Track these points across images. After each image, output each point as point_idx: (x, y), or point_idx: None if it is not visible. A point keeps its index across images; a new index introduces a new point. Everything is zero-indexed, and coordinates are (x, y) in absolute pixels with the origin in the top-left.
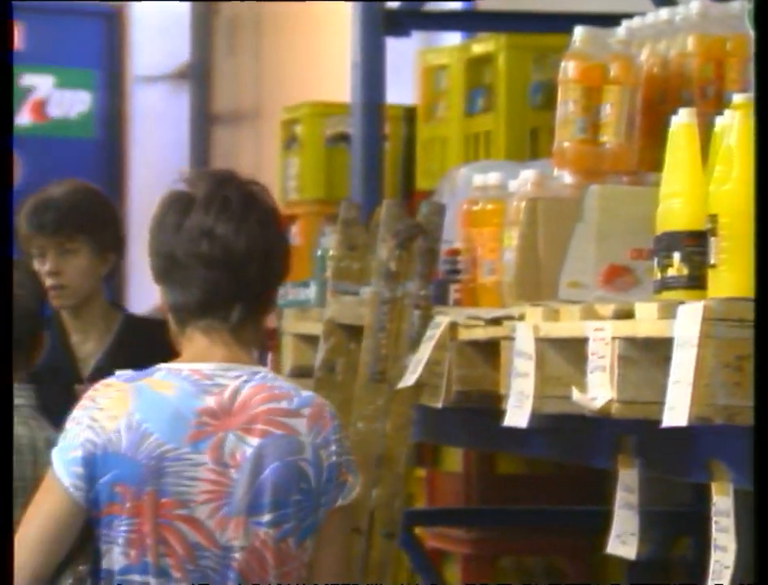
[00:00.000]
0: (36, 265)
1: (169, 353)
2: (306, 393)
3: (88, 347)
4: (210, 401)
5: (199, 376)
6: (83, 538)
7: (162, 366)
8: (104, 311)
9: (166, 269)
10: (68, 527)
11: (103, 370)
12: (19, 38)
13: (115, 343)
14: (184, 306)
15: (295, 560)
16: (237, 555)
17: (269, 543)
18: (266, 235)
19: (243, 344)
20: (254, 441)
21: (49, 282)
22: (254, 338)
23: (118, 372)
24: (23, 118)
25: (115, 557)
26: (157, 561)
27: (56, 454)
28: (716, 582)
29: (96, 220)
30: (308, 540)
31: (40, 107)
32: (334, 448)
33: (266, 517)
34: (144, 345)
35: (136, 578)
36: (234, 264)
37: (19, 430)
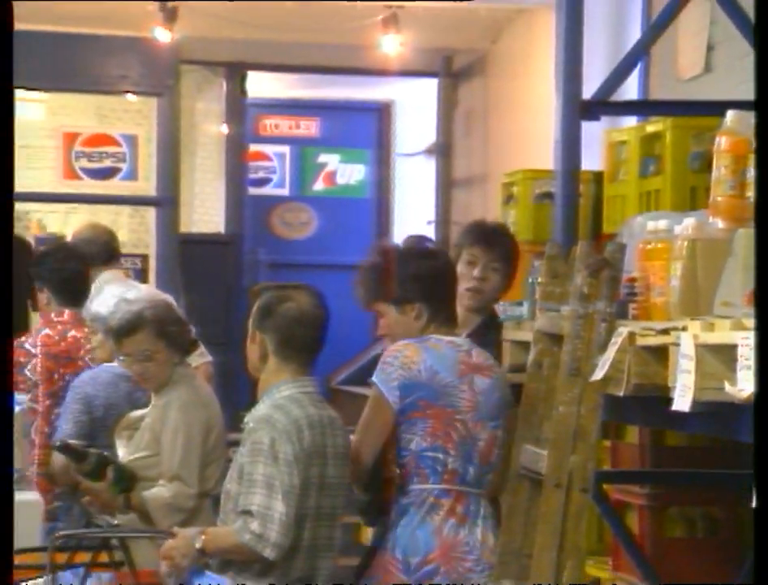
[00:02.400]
0: (461, 268)
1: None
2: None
3: None
4: (462, 355)
5: (451, 343)
6: None
7: (431, 336)
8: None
9: (425, 296)
10: (388, 427)
11: None
12: (316, 128)
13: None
14: (434, 318)
15: (501, 445)
16: (480, 443)
17: (493, 436)
18: None
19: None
20: (487, 380)
21: (470, 285)
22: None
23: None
24: (319, 184)
25: (416, 443)
26: (443, 445)
27: (381, 385)
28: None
29: (511, 252)
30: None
31: (331, 177)
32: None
33: (493, 423)
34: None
35: (430, 454)
36: None
37: (311, 410)
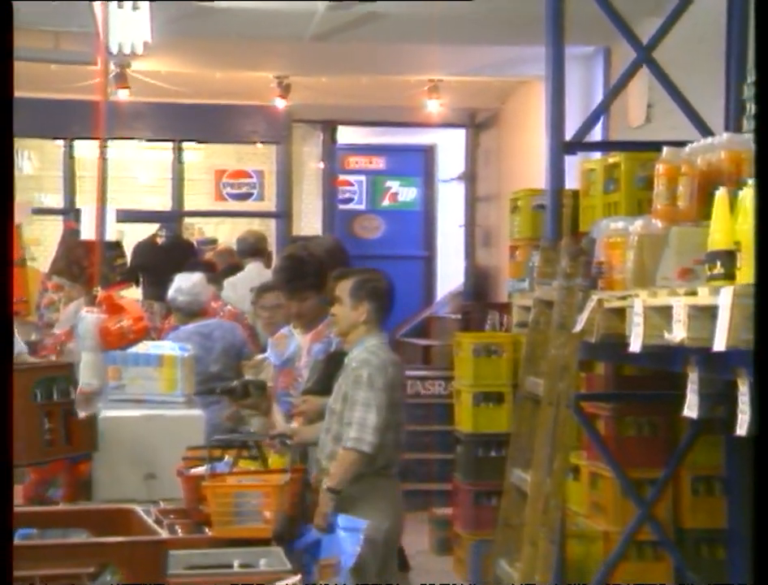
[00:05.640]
0: None
1: None
2: None
3: None
4: None
5: None
6: None
7: None
8: None
9: None
10: None
11: None
12: (383, 163)
13: None
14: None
15: None
16: None
17: None
18: None
19: None
20: None
21: None
22: None
23: None
24: (386, 201)
25: None
26: None
27: None
28: None
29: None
30: None
31: (394, 196)
32: None
33: None
34: None
35: None
36: None
37: (390, 354)
